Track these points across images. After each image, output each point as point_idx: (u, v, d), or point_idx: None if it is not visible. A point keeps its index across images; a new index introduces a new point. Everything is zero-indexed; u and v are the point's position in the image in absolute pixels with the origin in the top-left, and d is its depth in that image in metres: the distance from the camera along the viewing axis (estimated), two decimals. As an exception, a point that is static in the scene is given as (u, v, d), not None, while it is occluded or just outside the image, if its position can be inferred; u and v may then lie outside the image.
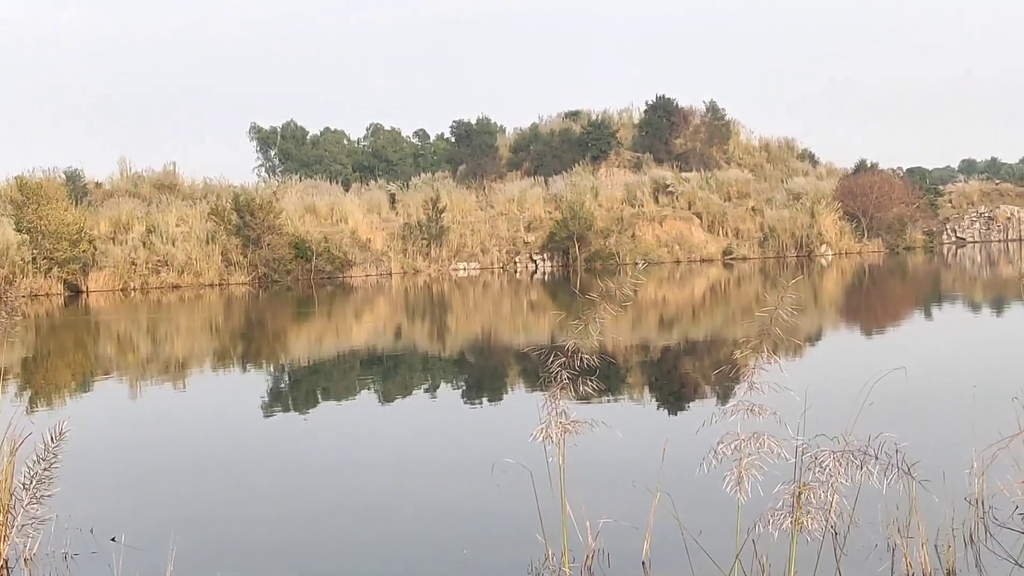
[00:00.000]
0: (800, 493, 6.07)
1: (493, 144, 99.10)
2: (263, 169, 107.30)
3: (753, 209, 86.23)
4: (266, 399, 23.15)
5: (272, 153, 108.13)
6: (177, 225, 71.37)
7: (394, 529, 11.68)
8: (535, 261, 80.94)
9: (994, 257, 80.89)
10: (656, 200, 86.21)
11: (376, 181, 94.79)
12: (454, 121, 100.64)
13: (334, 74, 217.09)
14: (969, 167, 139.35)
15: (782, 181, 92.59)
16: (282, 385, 26.08)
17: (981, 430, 11.62)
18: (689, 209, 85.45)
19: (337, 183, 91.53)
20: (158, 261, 67.57)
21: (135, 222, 71.25)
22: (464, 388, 24.43)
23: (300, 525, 12.01)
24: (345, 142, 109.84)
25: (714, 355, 27.09)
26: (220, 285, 66.68)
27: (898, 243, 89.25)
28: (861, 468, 6.12)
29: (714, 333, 33.87)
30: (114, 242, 68.82)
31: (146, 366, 29.54)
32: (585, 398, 9.42)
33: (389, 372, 27.66)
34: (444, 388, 24.64)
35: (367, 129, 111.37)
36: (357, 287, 64.23)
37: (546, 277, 70.62)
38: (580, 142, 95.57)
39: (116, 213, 72.22)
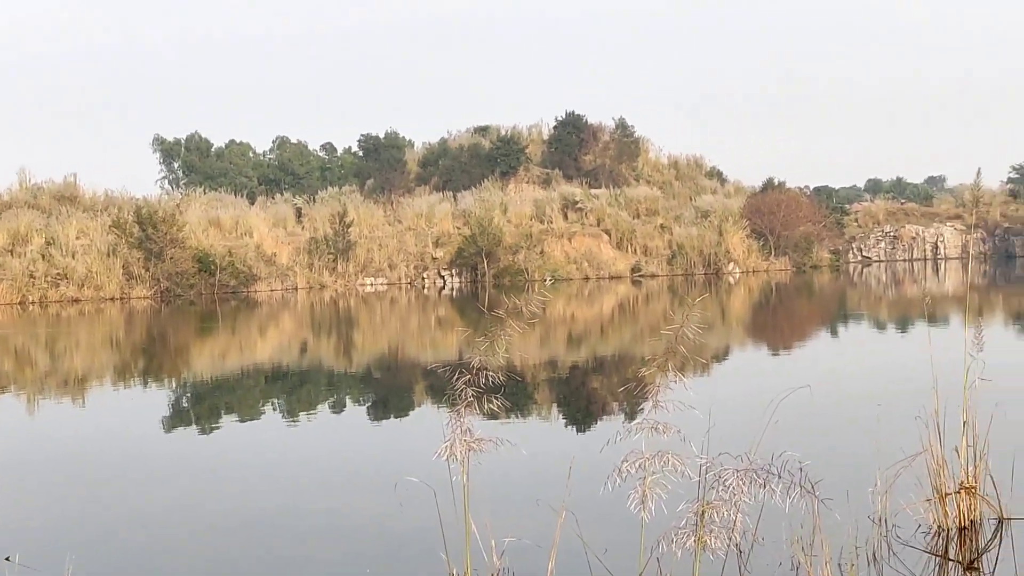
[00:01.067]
0: (703, 511, 6.11)
1: (401, 158, 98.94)
2: (166, 181, 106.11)
3: (662, 226, 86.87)
4: (167, 416, 22.89)
5: (176, 165, 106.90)
6: (77, 238, 70.38)
7: (296, 548, 11.59)
8: (443, 277, 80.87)
9: (899, 276, 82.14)
10: (565, 216, 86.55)
11: (282, 195, 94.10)
12: (362, 135, 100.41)
13: (240, 86, 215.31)
14: (875, 186, 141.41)
15: (691, 199, 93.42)
16: (184, 402, 25.79)
17: (885, 449, 11.78)
18: (598, 226, 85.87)
19: (242, 196, 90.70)
20: (57, 274, 66.60)
21: (34, 234, 70.13)
22: (369, 405, 24.32)
23: (200, 545, 11.88)
24: (251, 155, 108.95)
25: (621, 373, 27.22)
26: (121, 299, 65.85)
27: (805, 262, 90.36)
28: (764, 487, 6.18)
29: (622, 351, 34.04)
30: (12, 254, 67.73)
31: (44, 382, 29.08)
32: (492, 416, 9.41)
33: (294, 389, 27.48)
34: (349, 405, 24.52)
35: (273, 142, 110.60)
36: (262, 302, 63.73)
37: (454, 293, 70.55)
38: (489, 157, 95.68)
39: (14, 225, 71.01)
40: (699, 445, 6.63)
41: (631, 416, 16.92)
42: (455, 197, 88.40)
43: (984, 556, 10.54)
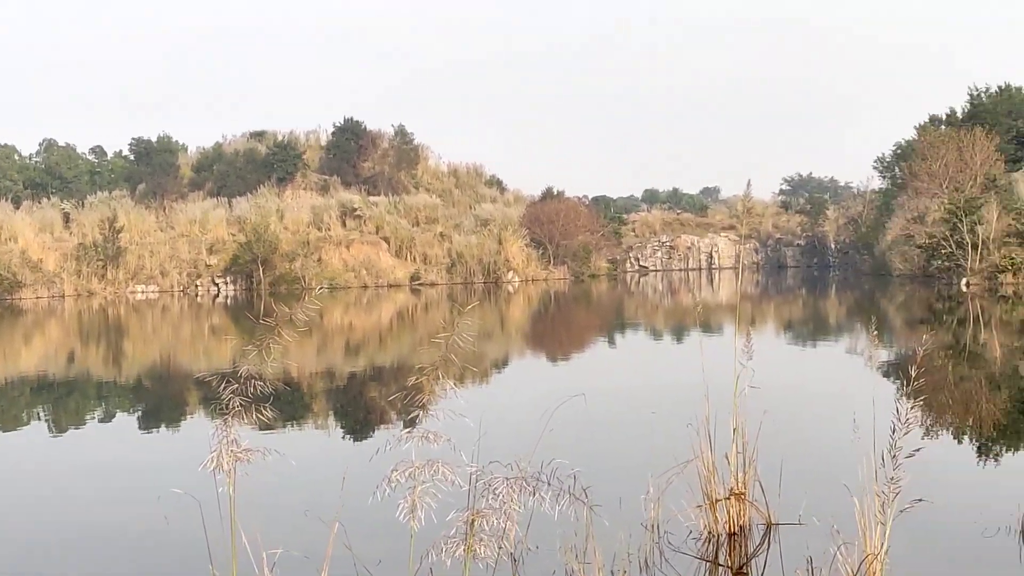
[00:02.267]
0: (473, 520, 6.10)
1: (174, 163, 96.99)
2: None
3: (441, 234, 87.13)
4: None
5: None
6: None
7: (58, 564, 11.23)
8: (218, 285, 79.66)
9: (675, 285, 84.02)
10: (344, 224, 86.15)
11: (49, 199, 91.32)
12: (133, 138, 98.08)
13: (3, 86, 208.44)
14: (652, 197, 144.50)
15: (471, 207, 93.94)
16: (-61, 414, 24.76)
17: (657, 456, 11.99)
18: (377, 233, 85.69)
19: (7, 200, 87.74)
20: None
21: None
22: (138, 416, 23.77)
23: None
24: (16, 157, 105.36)
25: (397, 381, 27.17)
26: None
27: (583, 270, 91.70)
28: (534, 494, 6.20)
29: (399, 360, 33.98)
30: None
31: None
32: (266, 426, 9.28)
33: (60, 400, 26.65)
34: (117, 416, 23.91)
35: (40, 144, 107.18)
36: (27, 310, 61.76)
37: (229, 301, 69.50)
38: (266, 163, 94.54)
39: None
40: (470, 454, 6.63)
41: (404, 425, 16.99)
42: (230, 203, 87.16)
43: (753, 561, 10.80)
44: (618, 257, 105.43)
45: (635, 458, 14.42)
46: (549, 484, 6.34)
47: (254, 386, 7.44)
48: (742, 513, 11.57)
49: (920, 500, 8.11)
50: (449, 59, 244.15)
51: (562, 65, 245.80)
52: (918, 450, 7.84)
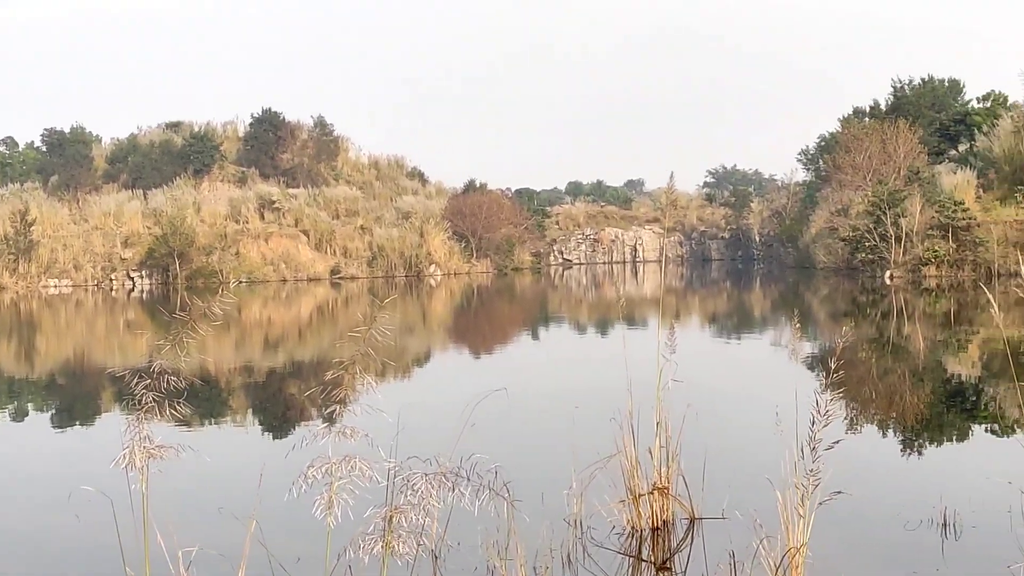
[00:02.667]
0: (391, 516, 6.07)
1: (88, 154, 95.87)
2: None
3: (362, 228, 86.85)
4: None
5: None
6: None
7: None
8: (133, 279, 78.93)
9: (599, 279, 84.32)
10: (262, 217, 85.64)
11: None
12: (45, 129, 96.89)
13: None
14: (576, 189, 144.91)
15: (392, 199, 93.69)
16: None
17: (580, 451, 11.99)
18: (296, 226, 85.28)
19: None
20: None
21: None
22: (51, 414, 23.47)
23: None
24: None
25: (315, 377, 27.03)
26: None
27: (507, 264, 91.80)
28: (453, 490, 6.18)
29: (317, 354, 33.81)
30: None
31: None
32: (181, 423, 9.18)
33: (-33, 397, 26.26)
34: (28, 413, 23.58)
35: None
36: (-67, 305, 60.80)
37: (144, 295, 68.84)
38: (182, 154, 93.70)
39: None
40: (388, 449, 6.60)
41: (322, 421, 16.93)
42: (146, 195, 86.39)
43: (676, 556, 10.84)
44: (542, 250, 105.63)
45: (558, 453, 14.42)
46: (469, 480, 6.32)
47: (168, 381, 7.36)
48: (665, 508, 11.62)
49: (839, 492, 8.18)
50: (368, 50, 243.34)
51: (485, 59, 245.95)
52: (837, 442, 7.90)
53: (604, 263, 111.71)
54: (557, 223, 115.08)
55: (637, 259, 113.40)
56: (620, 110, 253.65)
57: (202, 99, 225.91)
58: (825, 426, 7.72)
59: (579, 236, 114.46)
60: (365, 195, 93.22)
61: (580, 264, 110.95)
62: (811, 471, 7.88)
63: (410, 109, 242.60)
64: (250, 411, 22.80)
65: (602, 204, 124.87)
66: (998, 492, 11.74)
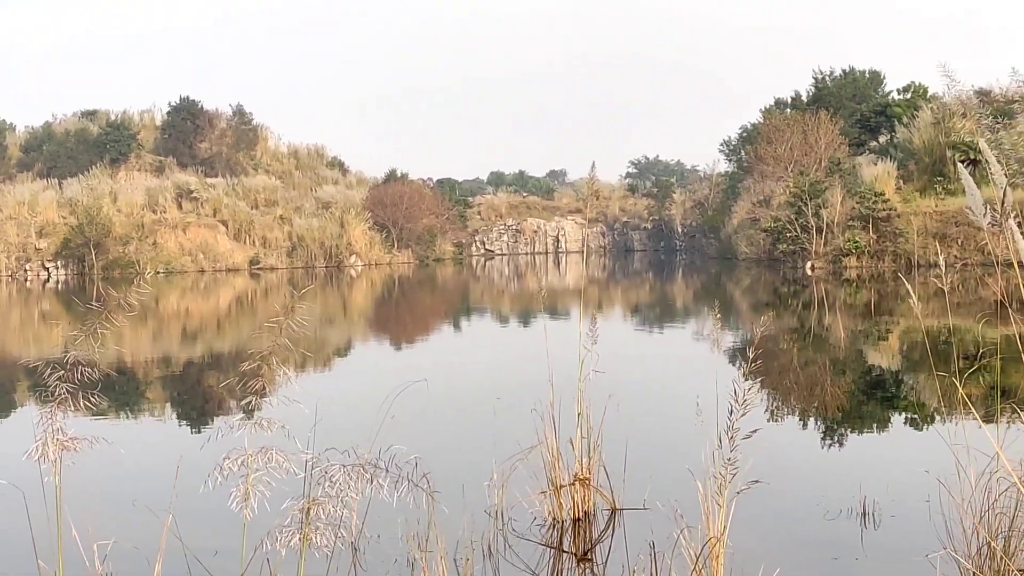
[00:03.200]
0: (309, 509, 6.06)
1: (1, 143, 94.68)
2: None
3: (282, 218, 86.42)
4: None
5: None
6: None
7: None
8: (48, 269, 78.04)
9: (521, 269, 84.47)
10: (180, 206, 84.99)
11: None
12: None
13: None
14: (498, 179, 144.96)
15: (311, 189, 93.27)
16: None
17: (501, 442, 12.03)
18: (215, 216, 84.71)
19: None
20: None
21: None
22: (-39, 407, 23.15)
23: None
24: None
25: (233, 368, 26.86)
26: None
27: (428, 255, 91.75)
28: (372, 482, 6.19)
29: (235, 345, 33.60)
30: None
31: None
32: (96, 414, 9.10)
33: None
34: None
35: None
36: None
37: (60, 286, 68.07)
38: (98, 143, 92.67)
39: None
40: (305, 441, 6.59)
41: (239, 412, 16.86)
42: (61, 185, 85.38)
43: (597, 547, 10.91)
44: (464, 241, 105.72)
45: (478, 444, 14.47)
46: (388, 471, 6.33)
47: (82, 373, 7.30)
48: (587, 499, 11.67)
49: (756, 482, 8.24)
50: (287, 38, 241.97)
51: (404, 47, 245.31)
52: (755, 431, 7.96)
53: (526, 254, 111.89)
54: (479, 213, 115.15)
55: (560, 250, 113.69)
56: (543, 99, 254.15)
57: (119, 87, 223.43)
58: (743, 415, 7.78)
59: (501, 227, 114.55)
60: (285, 185, 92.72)
61: (502, 255, 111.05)
62: (729, 460, 7.95)
63: (330, 98, 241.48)
64: (166, 403, 22.63)
65: (524, 194, 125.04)
66: (916, 482, 11.89)
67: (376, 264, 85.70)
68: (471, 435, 16.50)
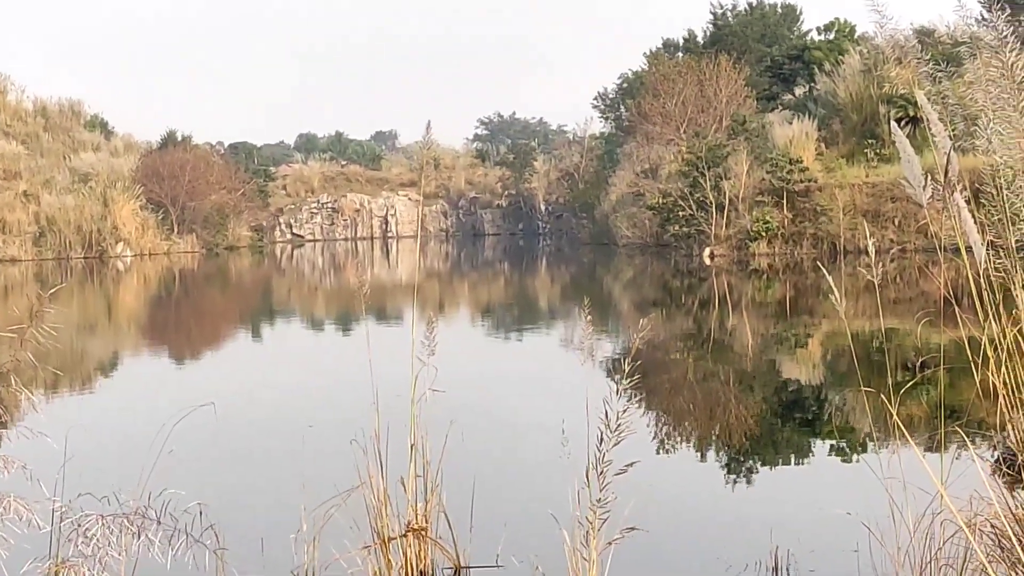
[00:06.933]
0: (57, 571, 6.02)
1: None
2: None
3: (26, 194, 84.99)
4: None
5: None
6: None
7: None
8: None
9: (339, 260, 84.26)
10: None
11: None
12: None
13: None
14: (309, 144, 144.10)
15: (66, 157, 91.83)
16: None
17: (313, 483, 12.00)
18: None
19: None
20: None
21: None
22: None
23: None
24: None
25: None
26: None
27: (218, 241, 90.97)
28: (139, 536, 6.16)
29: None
30: None
31: None
32: None
33: None
34: None
35: None
36: None
37: None
38: None
39: None
40: (52, 485, 6.53)
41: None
42: None
43: (436, 617, 10.95)
44: (265, 224, 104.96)
45: (282, 486, 14.43)
46: (160, 523, 6.31)
47: None
48: (423, 555, 11.69)
49: (633, 529, 8.32)
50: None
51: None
52: (632, 464, 8.03)
53: (346, 239, 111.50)
54: (284, 188, 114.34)
55: (389, 234, 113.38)
56: (364, 41, 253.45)
57: None
58: (615, 444, 7.84)
59: (313, 205, 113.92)
60: (30, 151, 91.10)
61: (315, 241, 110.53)
62: (599, 501, 7.99)
63: (91, 46, 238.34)
64: None
65: (343, 163, 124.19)
66: (841, 527, 12.09)
67: (151, 254, 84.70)
68: (273, 474, 16.44)
